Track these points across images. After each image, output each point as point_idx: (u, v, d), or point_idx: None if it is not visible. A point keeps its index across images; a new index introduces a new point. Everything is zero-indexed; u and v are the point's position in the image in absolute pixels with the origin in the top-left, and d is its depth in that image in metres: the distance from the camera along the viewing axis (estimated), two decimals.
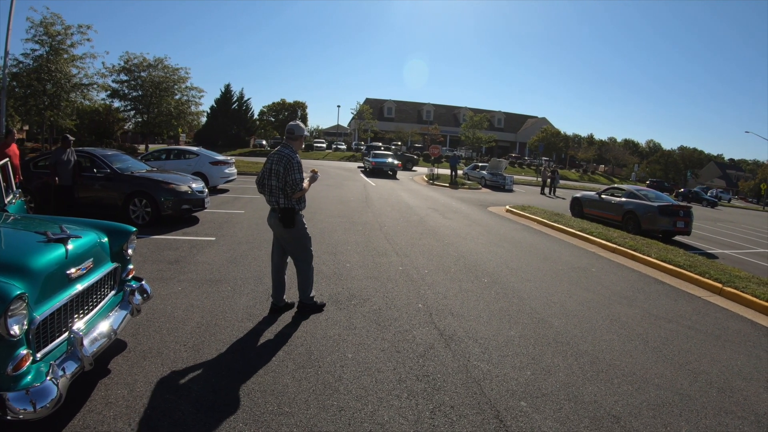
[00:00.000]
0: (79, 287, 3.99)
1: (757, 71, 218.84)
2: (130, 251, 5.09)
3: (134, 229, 5.17)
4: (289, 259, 6.57)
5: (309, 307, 6.59)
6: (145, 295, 5.08)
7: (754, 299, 8.96)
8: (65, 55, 30.98)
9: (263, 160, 35.14)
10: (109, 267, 4.62)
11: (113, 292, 4.80)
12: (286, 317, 6.34)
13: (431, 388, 4.78)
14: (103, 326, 4.18)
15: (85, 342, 3.76)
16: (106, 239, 4.75)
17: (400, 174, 40.75)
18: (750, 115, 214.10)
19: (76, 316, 3.99)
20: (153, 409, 4.01)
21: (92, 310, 4.27)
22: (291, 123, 6.43)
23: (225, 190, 20.50)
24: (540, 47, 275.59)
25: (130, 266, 5.20)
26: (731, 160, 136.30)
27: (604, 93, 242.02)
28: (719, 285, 9.78)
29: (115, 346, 5.02)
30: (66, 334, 3.77)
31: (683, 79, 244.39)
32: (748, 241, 21.43)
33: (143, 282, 5.20)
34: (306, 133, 6.52)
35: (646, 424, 4.48)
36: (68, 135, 11.84)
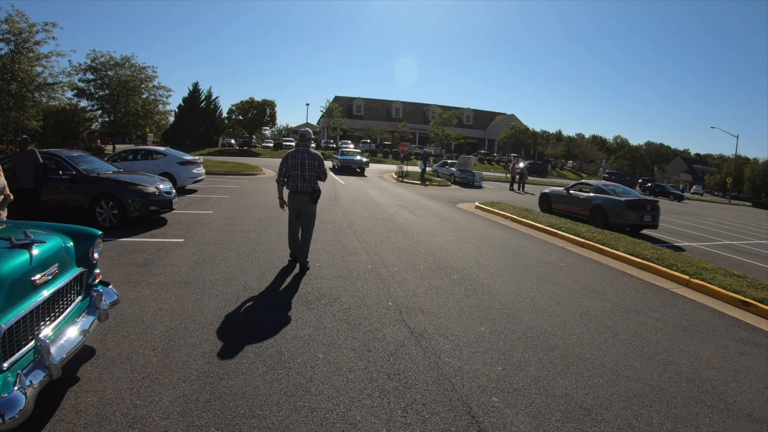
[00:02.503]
0: (45, 293, 3.92)
1: (723, 67, 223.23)
2: (96, 255, 5.01)
3: (99, 232, 5.09)
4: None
5: (307, 267, 8.83)
6: (112, 300, 5.02)
7: (721, 290, 9.14)
8: (30, 54, 30.40)
9: (233, 159, 34.92)
10: (75, 272, 4.54)
11: (80, 298, 4.72)
12: (256, 316, 6.32)
13: (403, 386, 4.79)
14: (71, 333, 4.11)
15: (53, 350, 3.70)
16: (71, 243, 4.67)
17: (368, 171, 40.79)
18: (716, 110, 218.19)
19: (42, 323, 3.92)
20: (123, 417, 3.96)
21: (59, 316, 4.20)
22: (304, 129, 8.99)
23: (193, 191, 20.28)
24: (508, 45, 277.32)
25: (97, 270, 5.12)
26: (697, 154, 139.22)
27: (572, 90, 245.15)
28: (686, 277, 9.95)
29: (83, 352, 4.94)
30: (33, 342, 3.70)
31: (650, 75, 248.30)
32: (714, 234, 21.82)
33: (110, 286, 5.14)
34: (313, 135, 8.98)
35: (617, 416, 4.55)
36: (26, 137, 11.69)
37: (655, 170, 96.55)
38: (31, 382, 3.37)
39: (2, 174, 7.23)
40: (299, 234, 8.97)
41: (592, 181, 20.76)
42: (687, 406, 4.87)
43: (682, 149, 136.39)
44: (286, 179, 8.70)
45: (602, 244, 12.91)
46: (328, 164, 42.76)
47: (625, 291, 9.12)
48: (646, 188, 58.25)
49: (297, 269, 8.82)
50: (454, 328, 6.42)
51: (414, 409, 4.36)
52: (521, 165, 42.12)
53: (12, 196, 7.24)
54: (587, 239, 13.57)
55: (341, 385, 4.71)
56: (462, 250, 11.51)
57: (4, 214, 7.20)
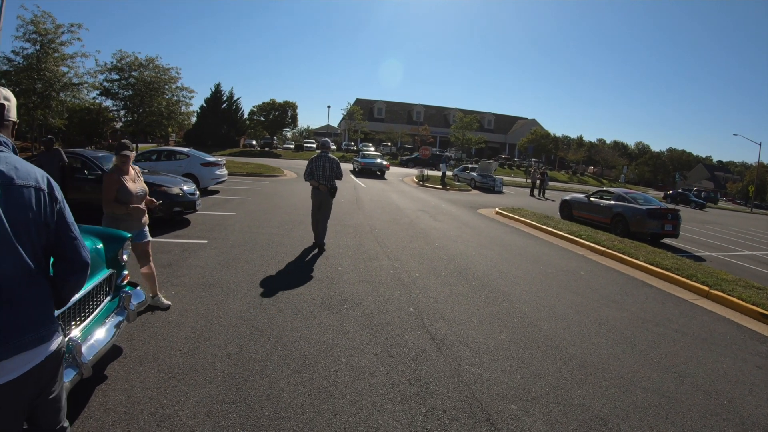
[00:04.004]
0: (76, 296, 4.02)
1: (746, 74, 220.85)
2: (125, 257, 5.11)
3: (129, 234, 5.19)
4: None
5: (323, 247, 10.96)
6: (140, 300, 5.12)
7: (740, 302, 9.10)
8: (55, 54, 30.81)
9: (254, 160, 35.41)
10: (104, 274, 4.62)
11: (108, 298, 4.82)
12: (280, 319, 6.39)
13: (424, 392, 4.85)
14: (100, 333, 4.19)
15: (83, 349, 3.78)
16: (101, 245, 4.76)
17: (388, 174, 40.89)
18: (738, 117, 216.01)
19: (73, 323, 4.00)
20: (151, 416, 4.06)
21: (89, 317, 4.29)
22: (325, 139, 11.48)
23: (216, 192, 20.43)
24: (530, 49, 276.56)
25: (125, 272, 5.23)
26: (719, 162, 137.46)
27: (594, 95, 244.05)
28: (706, 288, 9.92)
29: (111, 351, 5.06)
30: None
31: (672, 81, 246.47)
32: (735, 244, 21.63)
33: (138, 287, 5.25)
34: (332, 144, 11.65)
35: (633, 427, 4.58)
36: (51, 136, 11.88)
37: (677, 177, 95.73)
38: (62, 381, 3.46)
39: (141, 178, 6.69)
40: (319, 221, 11.02)
41: (613, 189, 20.70)
42: (702, 419, 4.89)
43: (704, 156, 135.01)
44: (311, 177, 10.80)
45: (622, 253, 12.89)
46: (348, 167, 43.07)
47: (644, 301, 9.12)
48: (668, 195, 57.87)
49: (318, 258, 9.56)
50: (474, 336, 6.48)
51: (435, 415, 4.43)
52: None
53: (156, 202, 6.71)
54: (607, 248, 13.55)
55: (364, 390, 4.79)
56: (482, 257, 11.55)
57: (146, 219, 6.68)
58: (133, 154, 6.32)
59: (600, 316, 7.86)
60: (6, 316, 2.20)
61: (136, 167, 6.61)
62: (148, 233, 6.57)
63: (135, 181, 6.34)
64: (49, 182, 2.44)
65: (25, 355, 2.25)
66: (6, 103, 2.52)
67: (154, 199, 6.67)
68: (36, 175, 2.39)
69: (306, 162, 12.49)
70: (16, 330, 2.23)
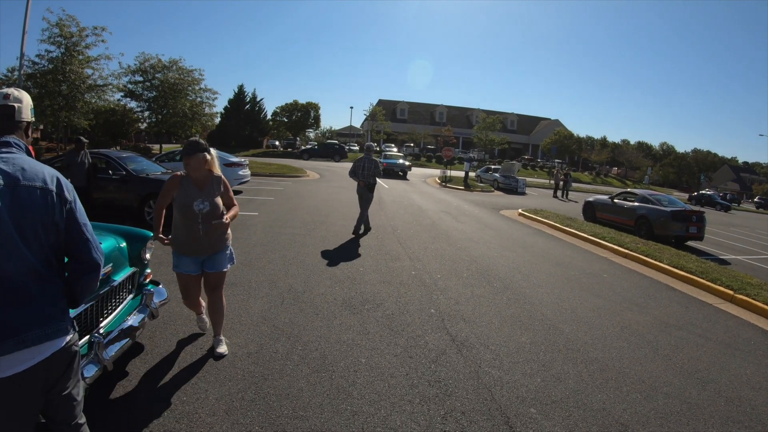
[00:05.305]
0: (99, 292, 4.08)
1: None
2: (147, 255, 5.18)
3: (152, 233, 5.26)
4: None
5: (369, 228, 13.76)
6: (162, 299, 5.18)
7: (766, 307, 8.96)
8: (80, 57, 31.16)
9: (277, 161, 35.62)
10: (127, 272, 4.69)
11: (131, 296, 4.89)
12: (300, 319, 6.41)
13: (443, 393, 4.84)
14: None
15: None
16: (124, 244, 4.83)
17: (411, 175, 40.88)
18: (764, 117, 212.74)
19: (96, 320, 4.08)
20: (171, 412, 4.10)
21: (111, 314, 4.36)
22: (369, 143, 13.93)
23: (239, 192, 20.50)
24: (553, 49, 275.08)
25: (148, 270, 5.29)
26: (745, 163, 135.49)
27: (618, 95, 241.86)
28: (731, 292, 9.77)
29: (132, 348, 5.12)
30: (86, 338, 3.86)
31: (697, 81, 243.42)
32: (761, 247, 21.33)
33: (160, 285, 5.30)
34: (376, 148, 13.31)
35: None
36: (81, 137, 12.02)
37: (701, 179, 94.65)
38: (84, 375, 3.52)
39: (222, 191, 5.07)
40: (360, 210, 13.30)
41: (637, 191, 20.53)
42: (724, 426, 4.81)
43: (729, 157, 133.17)
44: (354, 175, 13.17)
45: (646, 256, 12.77)
46: None
47: (667, 305, 9.02)
48: (692, 197, 57.43)
49: (340, 258, 9.12)
50: (495, 338, 6.45)
51: (453, 417, 4.42)
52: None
53: (228, 220, 4.99)
54: (631, 250, 13.43)
55: (383, 390, 4.79)
56: (505, 258, 11.50)
57: (221, 243, 5.31)
58: (207, 156, 4.79)
59: (622, 320, 7.79)
60: (11, 313, 2.26)
61: (221, 177, 5.10)
62: (224, 262, 5.34)
63: (203, 191, 4.87)
64: (59, 183, 2.48)
65: (30, 350, 2.31)
66: (17, 105, 2.56)
67: (224, 221, 4.90)
68: (44, 175, 2.43)
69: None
70: (20, 326, 2.28)
